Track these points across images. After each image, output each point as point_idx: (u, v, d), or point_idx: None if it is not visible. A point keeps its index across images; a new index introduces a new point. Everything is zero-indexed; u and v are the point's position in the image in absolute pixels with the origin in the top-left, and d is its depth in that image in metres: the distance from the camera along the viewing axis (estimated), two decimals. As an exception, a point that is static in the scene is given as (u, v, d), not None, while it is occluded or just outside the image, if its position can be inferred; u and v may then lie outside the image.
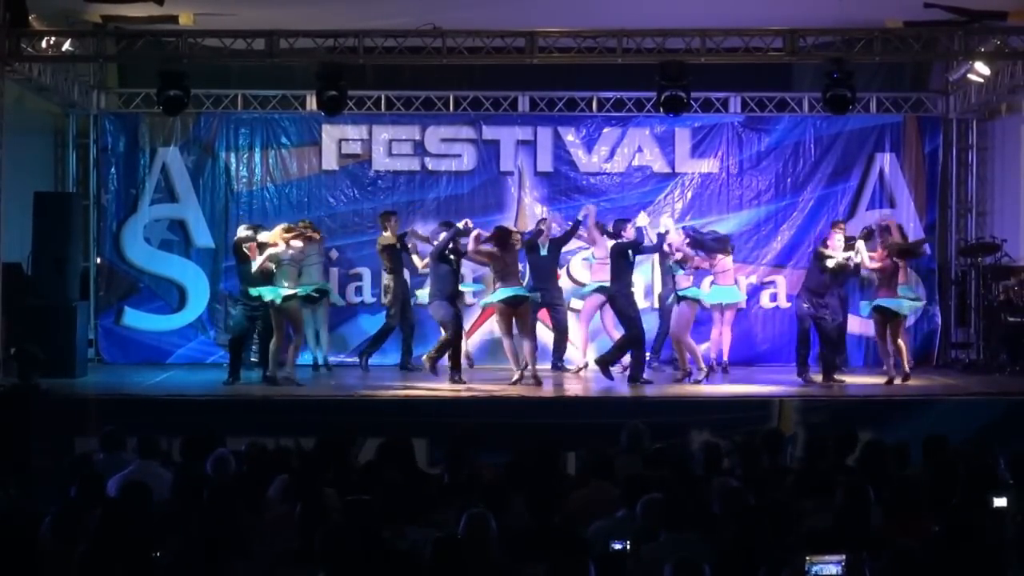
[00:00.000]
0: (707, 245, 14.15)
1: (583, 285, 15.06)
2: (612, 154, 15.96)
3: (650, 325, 14.99)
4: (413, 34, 13.66)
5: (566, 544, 6.18)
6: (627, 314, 13.45)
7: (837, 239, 13.70)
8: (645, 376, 13.51)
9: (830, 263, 13.41)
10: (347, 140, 15.96)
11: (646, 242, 13.76)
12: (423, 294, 14.29)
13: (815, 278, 13.59)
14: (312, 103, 15.18)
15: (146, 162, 15.80)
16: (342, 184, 15.93)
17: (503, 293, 13.23)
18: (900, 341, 13.72)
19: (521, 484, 7.40)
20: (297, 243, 13.38)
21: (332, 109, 13.69)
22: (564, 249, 14.65)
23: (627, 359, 13.77)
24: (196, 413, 11.75)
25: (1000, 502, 7.03)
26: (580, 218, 14.55)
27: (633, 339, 13.46)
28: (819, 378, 13.49)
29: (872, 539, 6.33)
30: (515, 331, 13.38)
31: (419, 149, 15.95)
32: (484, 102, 15.96)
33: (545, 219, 14.79)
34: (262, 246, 13.33)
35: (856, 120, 15.77)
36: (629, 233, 13.62)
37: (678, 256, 13.60)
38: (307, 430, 10.57)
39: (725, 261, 14.47)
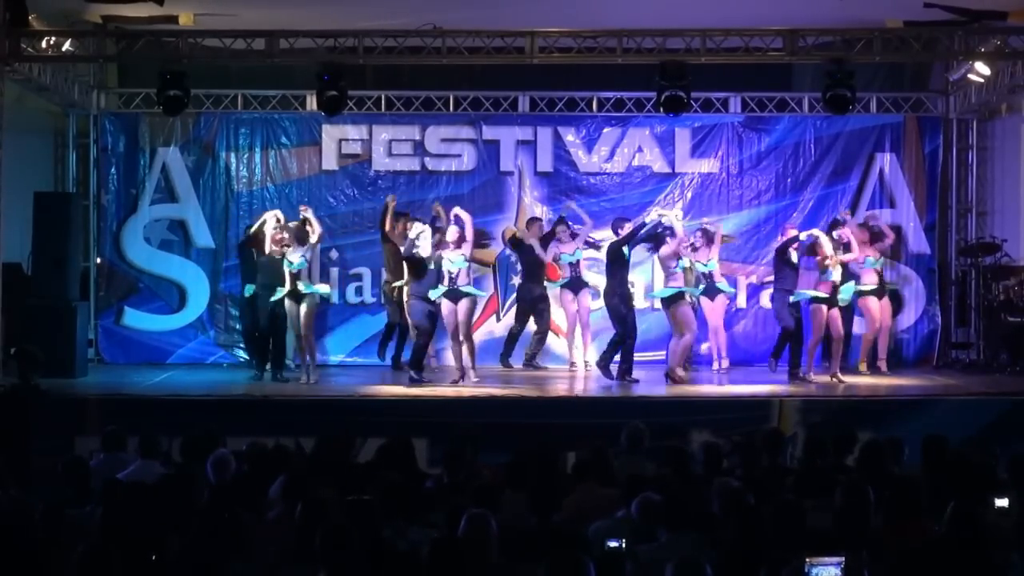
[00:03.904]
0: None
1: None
2: (612, 154, 15.96)
3: (647, 324, 15.03)
4: (413, 34, 13.66)
5: (565, 544, 6.18)
6: (619, 312, 13.44)
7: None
8: (633, 375, 13.50)
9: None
10: (347, 140, 15.96)
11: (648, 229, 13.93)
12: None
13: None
14: (312, 103, 15.17)
15: (146, 162, 15.80)
16: (342, 184, 15.92)
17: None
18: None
19: (521, 484, 7.40)
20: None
21: (332, 109, 13.68)
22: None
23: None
24: (196, 413, 11.75)
25: (1000, 503, 7.02)
26: (564, 214, 14.83)
27: (625, 336, 13.46)
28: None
29: (871, 539, 6.33)
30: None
31: (419, 149, 15.95)
32: (484, 102, 15.95)
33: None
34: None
35: (856, 120, 15.76)
36: (626, 230, 13.62)
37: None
38: (307, 430, 10.58)
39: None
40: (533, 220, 15.01)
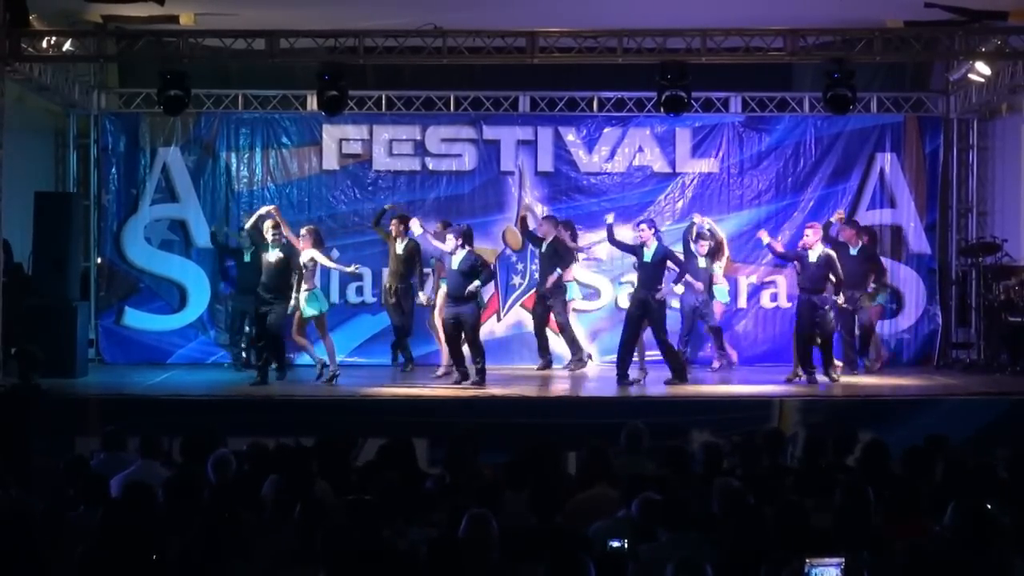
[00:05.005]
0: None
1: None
2: (613, 154, 15.96)
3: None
4: (413, 34, 13.66)
5: (566, 544, 6.19)
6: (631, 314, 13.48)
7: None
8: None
9: None
10: (347, 140, 15.96)
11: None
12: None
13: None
14: (312, 103, 15.17)
15: (147, 162, 15.81)
16: (343, 184, 15.93)
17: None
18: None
19: (521, 484, 7.40)
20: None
21: (333, 109, 13.69)
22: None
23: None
24: (196, 413, 11.75)
25: (1000, 503, 7.01)
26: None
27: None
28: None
29: (872, 539, 6.33)
30: None
31: (420, 149, 15.95)
32: (485, 102, 15.96)
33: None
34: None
35: (856, 120, 15.77)
36: (646, 234, 13.54)
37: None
38: (307, 430, 10.57)
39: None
40: (550, 218, 14.92)
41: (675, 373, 13.36)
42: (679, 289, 13.95)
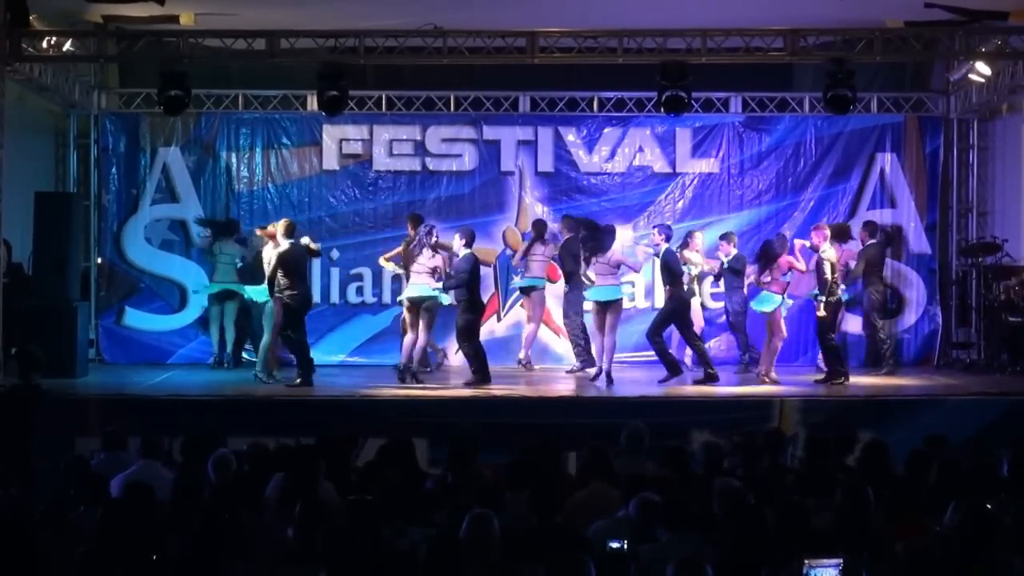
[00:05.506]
0: None
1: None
2: (613, 154, 15.97)
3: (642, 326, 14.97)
4: (414, 34, 13.66)
5: (566, 544, 6.19)
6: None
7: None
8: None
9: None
10: (348, 140, 15.97)
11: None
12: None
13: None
14: (313, 103, 15.17)
15: (147, 162, 15.81)
16: (343, 184, 15.93)
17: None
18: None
19: (521, 484, 7.40)
20: None
21: (333, 109, 13.69)
22: None
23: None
24: (197, 413, 11.74)
25: (1000, 503, 7.02)
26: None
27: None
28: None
29: (872, 539, 6.33)
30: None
31: (420, 149, 15.95)
32: (485, 102, 15.96)
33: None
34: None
35: (857, 120, 15.77)
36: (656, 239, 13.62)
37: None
38: (307, 430, 10.56)
39: None
40: (569, 217, 14.92)
41: (669, 371, 13.41)
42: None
